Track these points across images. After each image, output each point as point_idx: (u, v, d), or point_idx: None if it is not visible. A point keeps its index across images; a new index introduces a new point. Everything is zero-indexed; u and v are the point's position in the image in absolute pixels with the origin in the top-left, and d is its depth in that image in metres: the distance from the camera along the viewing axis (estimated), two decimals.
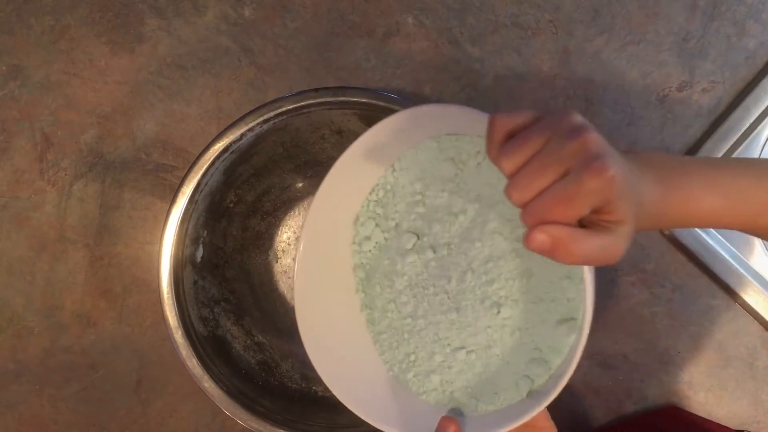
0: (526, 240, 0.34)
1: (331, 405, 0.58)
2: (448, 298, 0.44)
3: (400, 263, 0.45)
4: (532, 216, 0.34)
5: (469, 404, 0.45)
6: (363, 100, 0.53)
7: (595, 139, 0.34)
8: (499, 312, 0.43)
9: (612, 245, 0.35)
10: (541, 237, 0.34)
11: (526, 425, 0.42)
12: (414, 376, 0.46)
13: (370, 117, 0.56)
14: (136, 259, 0.63)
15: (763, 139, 0.63)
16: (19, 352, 0.62)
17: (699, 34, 0.64)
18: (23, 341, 0.62)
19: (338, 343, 0.47)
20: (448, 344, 0.45)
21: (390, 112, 0.53)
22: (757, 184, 0.40)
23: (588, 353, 0.63)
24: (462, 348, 0.44)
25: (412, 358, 0.46)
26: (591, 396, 0.63)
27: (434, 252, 0.44)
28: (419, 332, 0.45)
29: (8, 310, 0.63)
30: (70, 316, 0.62)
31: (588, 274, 0.39)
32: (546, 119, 0.35)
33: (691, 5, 0.64)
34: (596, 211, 0.34)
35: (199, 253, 0.57)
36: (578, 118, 0.36)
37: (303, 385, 0.59)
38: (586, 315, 0.40)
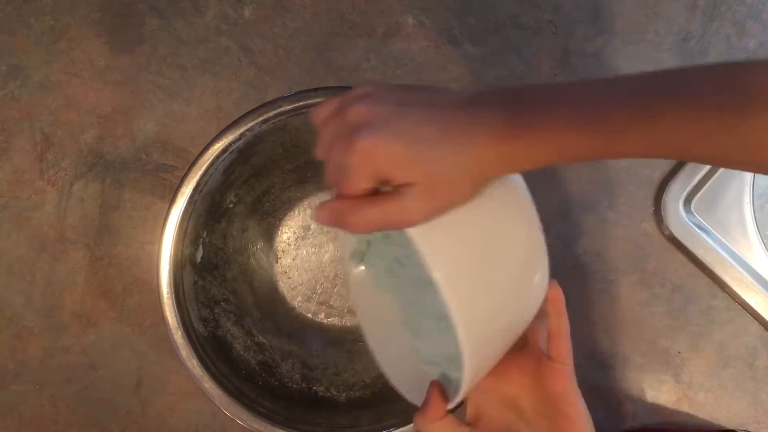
0: (315, 217, 0.36)
1: (332, 405, 0.58)
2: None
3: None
4: (332, 194, 0.36)
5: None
6: None
7: (355, 111, 0.35)
8: None
9: (396, 209, 0.34)
10: (321, 213, 0.36)
11: (557, 414, 0.43)
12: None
13: None
14: (136, 259, 0.63)
15: None
16: (19, 352, 0.62)
17: (699, 34, 0.64)
18: (23, 341, 0.62)
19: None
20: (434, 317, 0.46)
21: None
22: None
23: (588, 353, 0.63)
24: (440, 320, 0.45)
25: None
26: (591, 396, 0.63)
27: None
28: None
29: (8, 310, 0.63)
30: (70, 316, 0.62)
31: (436, 272, 0.35)
32: (341, 99, 0.37)
33: (691, 5, 0.64)
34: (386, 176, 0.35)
35: (199, 253, 0.57)
36: (357, 91, 0.36)
37: (303, 385, 0.59)
38: (453, 313, 0.36)
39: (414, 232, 0.35)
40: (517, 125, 0.34)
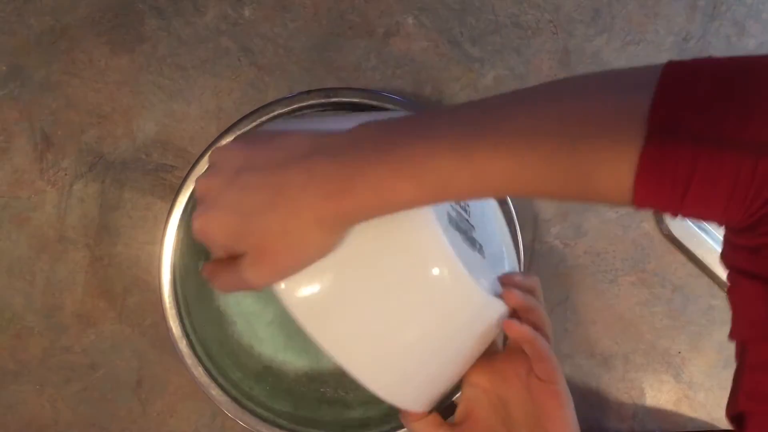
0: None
1: (340, 406, 0.58)
2: None
3: None
4: None
5: None
6: (356, 100, 0.53)
7: (197, 186, 0.37)
8: None
9: (236, 278, 0.36)
10: (203, 273, 0.39)
11: (541, 416, 0.43)
12: None
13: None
14: (136, 259, 0.63)
15: None
16: (19, 352, 0.62)
17: (699, 34, 0.64)
18: (23, 341, 0.62)
19: None
20: None
21: (382, 110, 0.53)
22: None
23: (588, 353, 0.63)
24: None
25: None
26: (591, 396, 0.63)
27: None
28: None
29: (8, 310, 0.62)
30: (70, 316, 0.62)
31: (301, 322, 0.37)
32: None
33: (691, 5, 0.64)
34: None
35: (202, 261, 0.57)
36: (211, 156, 0.38)
37: (311, 387, 0.59)
38: (331, 354, 0.38)
39: (276, 288, 0.37)
40: (346, 177, 0.33)
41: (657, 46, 0.64)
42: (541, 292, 0.47)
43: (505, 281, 0.44)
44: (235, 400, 0.52)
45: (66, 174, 0.63)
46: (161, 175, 0.63)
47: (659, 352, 0.63)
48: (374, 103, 0.53)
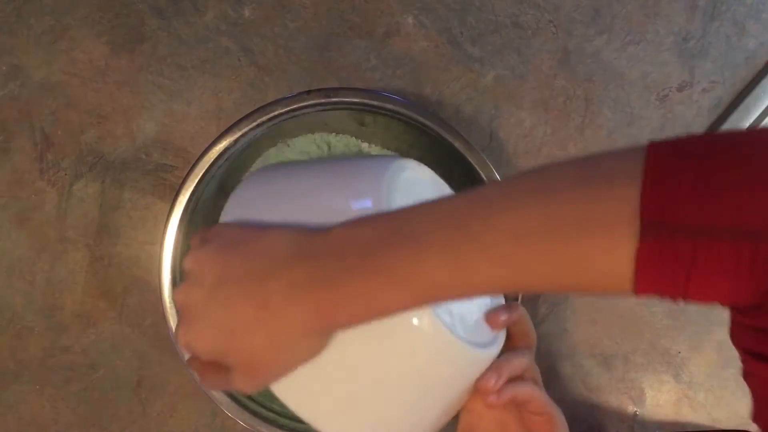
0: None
1: None
2: None
3: None
4: None
5: None
6: (355, 99, 0.53)
7: (175, 298, 0.37)
8: None
9: (225, 384, 0.36)
10: (190, 367, 0.38)
11: (524, 408, 0.44)
12: None
13: (364, 117, 0.56)
14: (136, 259, 0.63)
15: None
16: (19, 352, 0.62)
17: (699, 34, 0.64)
18: (23, 341, 0.62)
19: None
20: None
21: (382, 110, 0.53)
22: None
23: (588, 353, 0.63)
24: None
25: None
26: (591, 396, 0.63)
27: None
28: None
29: (8, 310, 0.62)
30: (70, 316, 0.62)
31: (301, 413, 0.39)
32: None
33: (691, 5, 0.64)
34: None
35: None
36: (186, 260, 0.38)
37: None
38: None
39: (273, 388, 0.38)
40: (332, 288, 0.32)
41: (657, 46, 0.64)
42: (527, 320, 0.47)
43: (491, 323, 0.43)
44: (235, 399, 0.52)
45: (66, 174, 0.63)
46: (161, 175, 0.63)
47: (659, 352, 0.63)
48: (374, 102, 0.53)
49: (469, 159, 0.53)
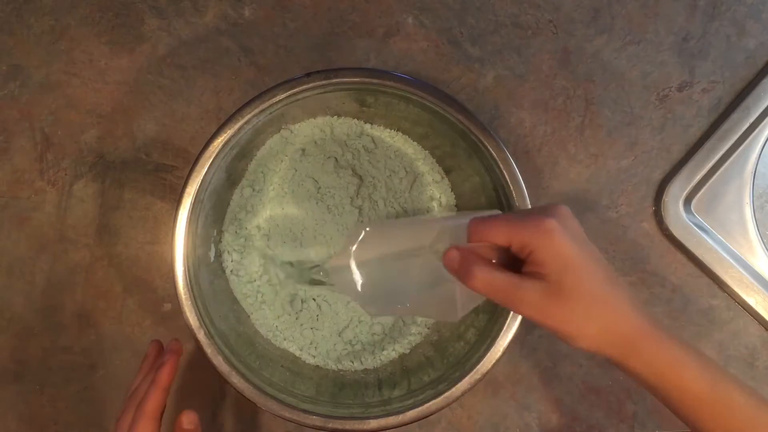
0: (444, 257, 0.39)
1: (361, 385, 0.58)
2: None
3: None
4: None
5: None
6: (356, 79, 0.52)
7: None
8: None
9: (515, 288, 0.37)
10: (451, 254, 0.39)
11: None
12: None
13: (365, 97, 0.55)
14: (136, 259, 0.63)
15: (763, 139, 0.63)
16: (19, 352, 0.62)
17: (699, 34, 0.64)
18: (23, 341, 0.62)
19: None
20: None
21: (383, 87, 0.52)
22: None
23: (588, 353, 0.63)
24: None
25: None
26: (591, 396, 0.63)
27: None
28: None
29: (8, 310, 0.62)
30: (70, 316, 0.62)
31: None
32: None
33: (691, 5, 0.64)
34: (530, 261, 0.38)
35: (212, 252, 0.57)
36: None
37: (336, 367, 0.60)
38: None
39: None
40: None
41: (657, 46, 0.64)
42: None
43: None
44: (257, 387, 0.51)
45: (66, 174, 0.63)
46: (161, 175, 0.63)
47: None
48: (375, 80, 0.52)
49: (474, 131, 0.52)
